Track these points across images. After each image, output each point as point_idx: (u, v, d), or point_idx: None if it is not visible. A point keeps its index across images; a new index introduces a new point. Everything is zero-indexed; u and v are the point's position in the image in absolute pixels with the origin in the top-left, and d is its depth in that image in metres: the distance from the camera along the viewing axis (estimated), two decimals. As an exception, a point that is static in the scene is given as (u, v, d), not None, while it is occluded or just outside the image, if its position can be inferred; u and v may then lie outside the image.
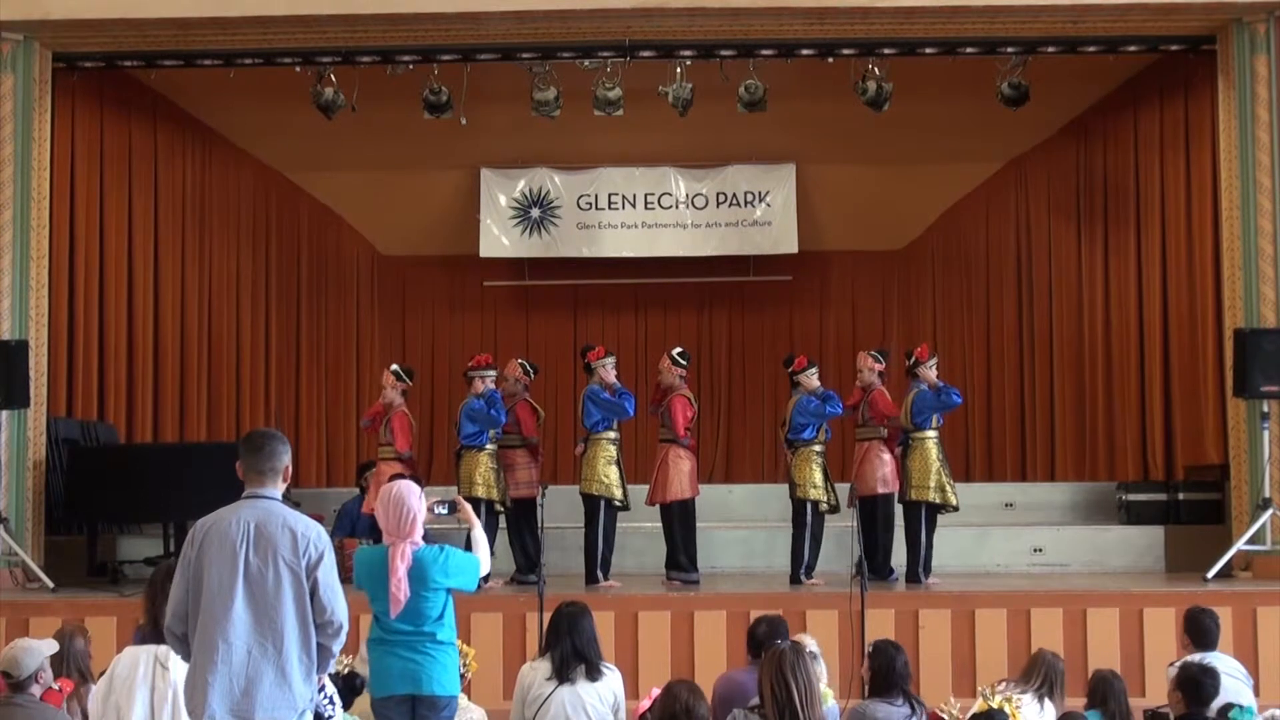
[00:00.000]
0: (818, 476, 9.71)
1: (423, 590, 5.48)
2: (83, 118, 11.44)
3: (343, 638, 4.62)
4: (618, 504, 9.69)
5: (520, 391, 10.13)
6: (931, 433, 9.74)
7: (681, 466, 9.73)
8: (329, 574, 4.55)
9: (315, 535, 4.57)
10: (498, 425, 9.80)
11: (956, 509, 9.77)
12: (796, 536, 9.78)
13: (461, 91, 11.20)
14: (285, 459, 4.69)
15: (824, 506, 9.73)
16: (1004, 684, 6.03)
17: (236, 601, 4.47)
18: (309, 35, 10.43)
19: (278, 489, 4.67)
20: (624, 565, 9.99)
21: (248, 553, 4.50)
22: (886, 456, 9.84)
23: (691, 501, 9.80)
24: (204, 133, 12.79)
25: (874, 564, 9.43)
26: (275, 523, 4.55)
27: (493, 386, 9.87)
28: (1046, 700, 5.98)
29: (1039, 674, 6.07)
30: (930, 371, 9.77)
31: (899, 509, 9.87)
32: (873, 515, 9.56)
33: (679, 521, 9.73)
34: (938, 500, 9.68)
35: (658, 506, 9.79)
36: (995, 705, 5.40)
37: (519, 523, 9.89)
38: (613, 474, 9.65)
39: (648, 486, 9.85)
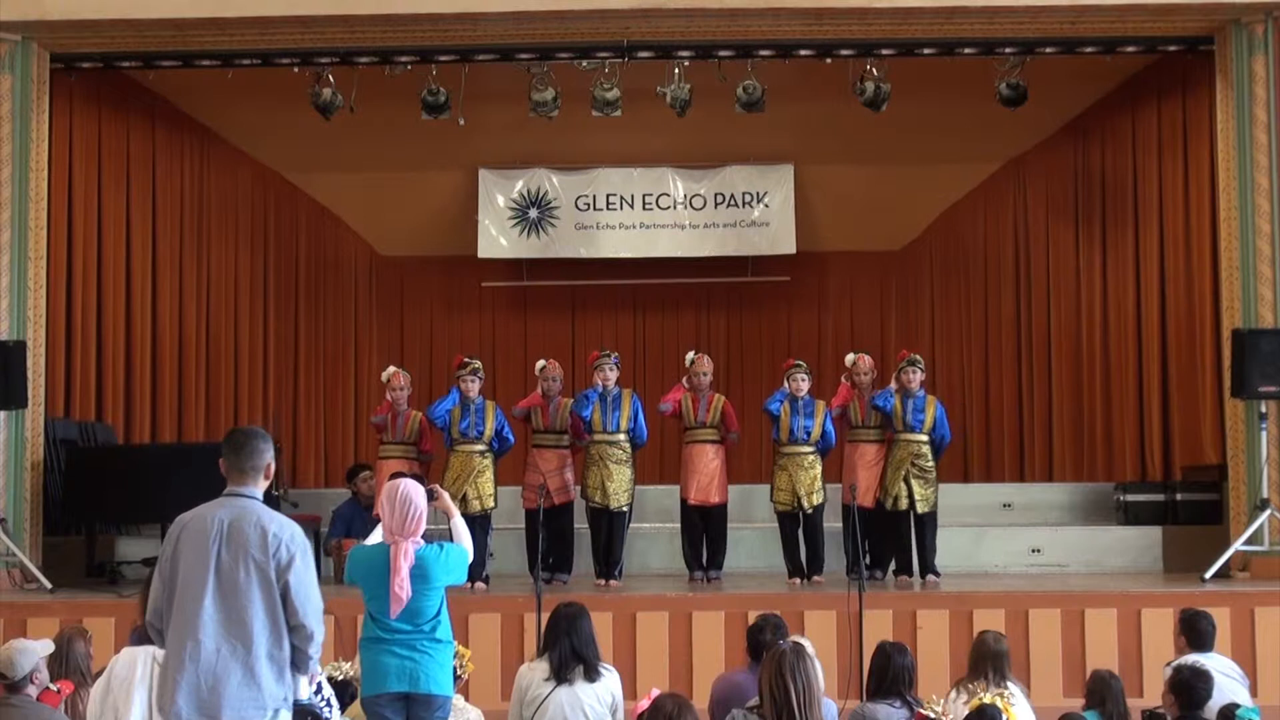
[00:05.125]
0: (779, 480, 9.80)
1: (424, 589, 5.49)
2: (81, 118, 11.44)
3: (317, 643, 4.57)
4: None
5: (557, 391, 10.07)
6: (912, 437, 9.78)
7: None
8: (302, 577, 4.51)
9: (288, 536, 4.53)
10: (431, 422, 9.82)
11: (903, 512, 9.73)
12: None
13: (460, 92, 11.20)
14: (267, 457, 4.65)
15: (780, 508, 9.82)
16: (955, 690, 6.00)
17: (206, 599, 4.45)
18: (307, 36, 10.43)
19: (258, 487, 4.63)
20: (625, 565, 9.97)
21: (220, 550, 4.48)
22: (874, 458, 9.91)
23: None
24: (202, 133, 12.80)
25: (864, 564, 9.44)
26: (249, 521, 4.51)
27: (460, 388, 9.78)
28: (1010, 685, 5.93)
29: (988, 663, 6.01)
30: (904, 376, 9.79)
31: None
32: (865, 516, 9.53)
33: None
34: (884, 503, 9.73)
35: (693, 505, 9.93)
36: (988, 700, 5.39)
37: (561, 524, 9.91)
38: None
39: (679, 486, 10.02)
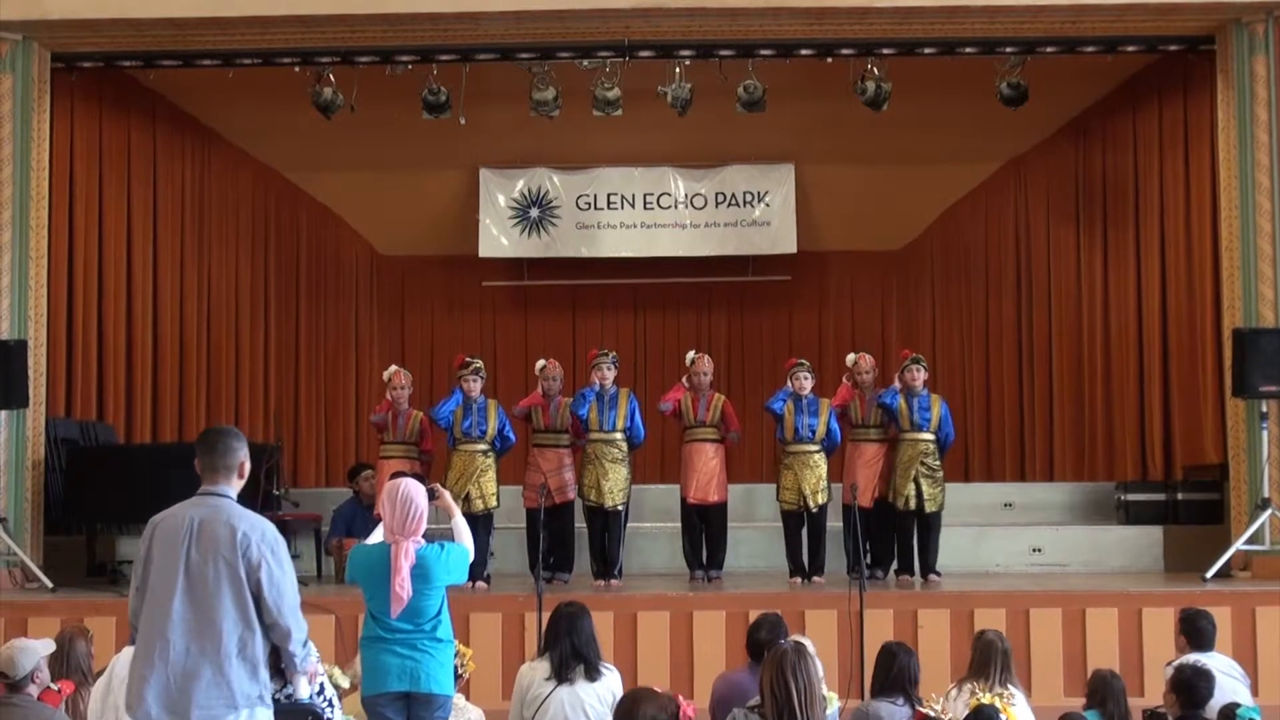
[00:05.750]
0: (784, 479, 9.80)
1: (425, 588, 5.49)
2: (82, 118, 11.44)
3: (297, 640, 4.57)
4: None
5: (557, 391, 10.06)
6: (919, 436, 9.76)
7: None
8: (273, 576, 4.50)
9: (258, 535, 4.52)
10: (435, 422, 9.84)
11: (911, 511, 9.71)
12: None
13: (460, 91, 11.20)
14: (240, 456, 4.65)
15: (786, 508, 9.81)
16: (957, 687, 6.00)
17: (176, 598, 4.46)
18: (308, 35, 10.43)
19: (232, 486, 4.64)
20: (625, 565, 9.97)
21: (190, 549, 4.49)
22: (875, 457, 9.90)
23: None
24: (203, 133, 12.79)
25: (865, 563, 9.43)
26: (220, 520, 4.52)
27: (462, 388, 9.77)
28: (1011, 688, 5.94)
29: (995, 661, 6.02)
30: (908, 375, 9.77)
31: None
32: (865, 516, 9.52)
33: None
34: (895, 503, 9.72)
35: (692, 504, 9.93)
36: (987, 701, 5.39)
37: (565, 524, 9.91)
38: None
39: (679, 485, 10.02)
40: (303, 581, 4.74)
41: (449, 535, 5.86)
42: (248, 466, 4.69)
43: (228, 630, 4.45)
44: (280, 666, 4.62)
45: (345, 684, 5.94)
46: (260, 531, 4.54)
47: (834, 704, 5.79)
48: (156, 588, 4.50)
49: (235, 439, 4.68)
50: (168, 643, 4.44)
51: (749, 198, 13.28)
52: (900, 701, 5.66)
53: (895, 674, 5.77)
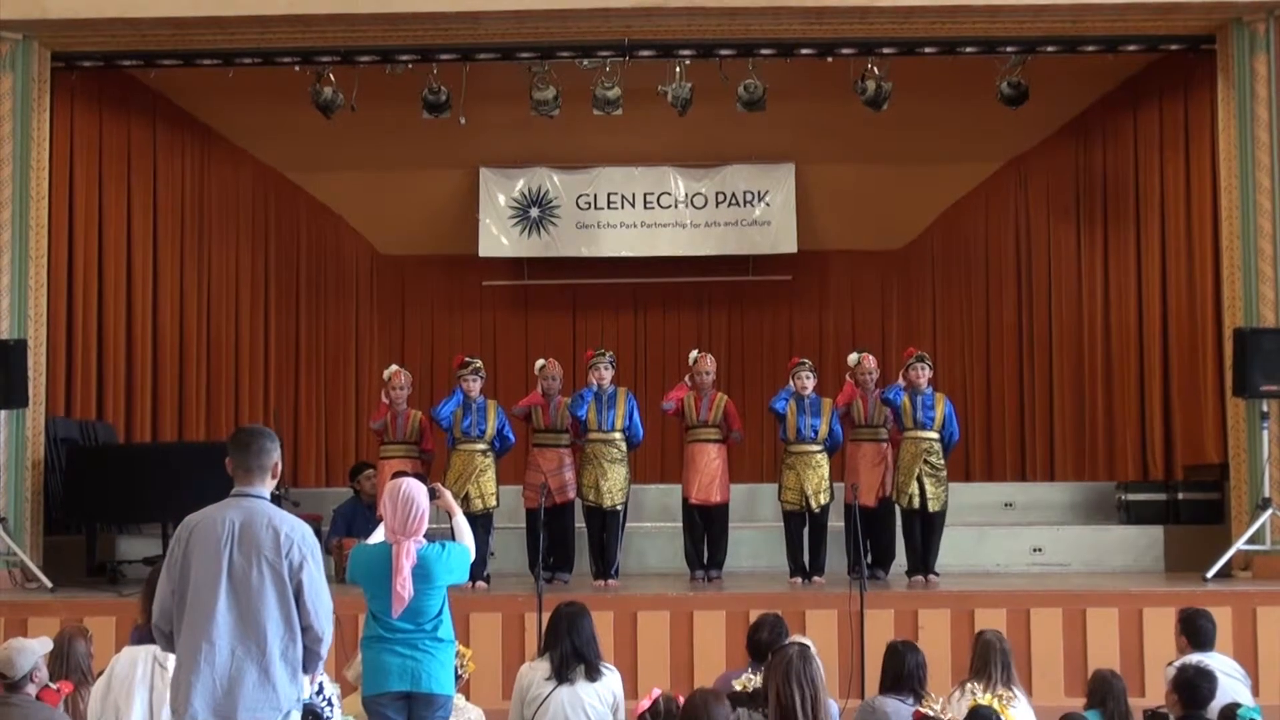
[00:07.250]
0: (787, 479, 9.77)
1: (426, 588, 5.49)
2: (81, 117, 11.43)
3: (326, 644, 4.58)
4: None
5: (557, 390, 10.05)
6: (921, 434, 9.73)
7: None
8: (313, 578, 4.51)
9: (300, 536, 4.52)
10: (436, 422, 9.82)
11: (915, 510, 9.67)
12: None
13: (460, 91, 11.20)
14: (274, 456, 4.64)
15: (788, 508, 9.78)
16: (959, 689, 6.00)
17: (220, 601, 4.44)
18: (308, 35, 10.42)
19: (266, 487, 4.63)
20: (625, 565, 9.98)
21: (232, 552, 4.47)
22: (876, 457, 9.88)
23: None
24: (203, 132, 12.79)
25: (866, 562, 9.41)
26: (260, 522, 4.51)
27: (462, 387, 9.76)
28: (1016, 689, 5.94)
29: (995, 661, 6.03)
30: (912, 373, 9.75)
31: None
32: (867, 516, 9.51)
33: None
34: (899, 502, 9.70)
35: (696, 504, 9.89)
36: (985, 702, 5.39)
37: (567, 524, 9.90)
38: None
39: (681, 485, 9.99)
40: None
41: (450, 535, 5.86)
42: (280, 467, 4.68)
43: (272, 632, 4.45)
44: None
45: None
46: (301, 534, 4.54)
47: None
48: (197, 591, 4.47)
49: (269, 439, 4.66)
50: (213, 646, 4.42)
51: (749, 197, 13.28)
52: (910, 701, 5.67)
53: (906, 673, 5.78)
